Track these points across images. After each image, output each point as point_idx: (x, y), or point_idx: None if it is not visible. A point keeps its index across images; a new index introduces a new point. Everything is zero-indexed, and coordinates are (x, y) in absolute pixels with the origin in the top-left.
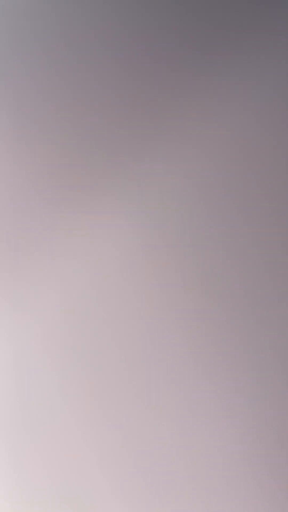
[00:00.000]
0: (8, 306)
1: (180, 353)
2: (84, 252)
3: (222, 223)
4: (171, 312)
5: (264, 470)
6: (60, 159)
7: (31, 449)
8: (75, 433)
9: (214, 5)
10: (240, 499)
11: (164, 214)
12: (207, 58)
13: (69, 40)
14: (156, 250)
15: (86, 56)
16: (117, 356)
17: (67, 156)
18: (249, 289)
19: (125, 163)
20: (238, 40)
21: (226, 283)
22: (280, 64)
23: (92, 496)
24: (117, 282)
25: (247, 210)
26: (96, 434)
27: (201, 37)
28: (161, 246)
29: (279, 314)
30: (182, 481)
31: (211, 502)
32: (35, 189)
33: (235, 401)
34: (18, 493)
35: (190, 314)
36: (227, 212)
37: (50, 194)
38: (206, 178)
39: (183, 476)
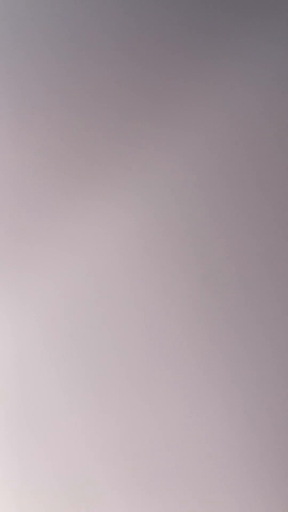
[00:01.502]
0: (10, 300)
1: (180, 347)
2: (84, 244)
3: (222, 214)
4: (171, 305)
5: (264, 463)
6: (60, 151)
7: (33, 444)
8: (77, 428)
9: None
10: (240, 495)
11: (165, 205)
12: (208, 48)
13: (69, 29)
14: (157, 242)
15: (86, 44)
16: (118, 351)
17: (67, 149)
18: (248, 280)
19: (125, 154)
20: (240, 27)
21: (226, 275)
22: (282, 52)
23: (93, 490)
24: (118, 274)
25: (247, 201)
26: (97, 429)
27: (202, 25)
28: (161, 238)
29: (277, 309)
30: (181, 474)
31: (211, 497)
32: (36, 181)
33: (234, 396)
34: (21, 488)
35: (190, 308)
36: (227, 202)
37: (51, 186)
38: (206, 168)
39: (182, 469)
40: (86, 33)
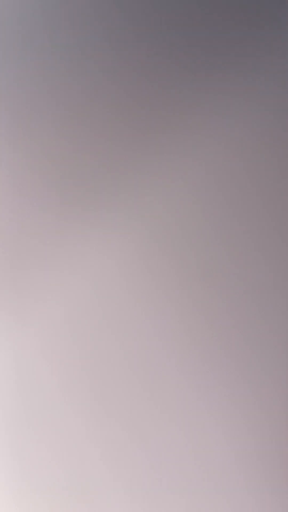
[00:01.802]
0: (10, 322)
1: (180, 363)
2: (85, 266)
3: (222, 233)
4: (173, 324)
5: (264, 466)
6: (59, 173)
7: (34, 448)
8: (78, 434)
9: (215, 16)
10: (243, 495)
11: (163, 226)
12: (206, 71)
13: (65, 49)
14: (157, 263)
15: (86, 68)
16: (119, 370)
17: (66, 171)
18: (250, 300)
19: (124, 176)
20: (238, 54)
21: (227, 294)
22: (280, 74)
23: (94, 493)
24: (118, 296)
25: (245, 221)
26: (98, 432)
27: (201, 52)
28: (161, 259)
29: (278, 315)
30: (183, 477)
31: (212, 499)
32: (35, 203)
33: (236, 399)
34: (21, 491)
35: (192, 326)
36: (227, 222)
37: (50, 208)
38: (205, 189)
39: (184, 472)
40: (86, 58)
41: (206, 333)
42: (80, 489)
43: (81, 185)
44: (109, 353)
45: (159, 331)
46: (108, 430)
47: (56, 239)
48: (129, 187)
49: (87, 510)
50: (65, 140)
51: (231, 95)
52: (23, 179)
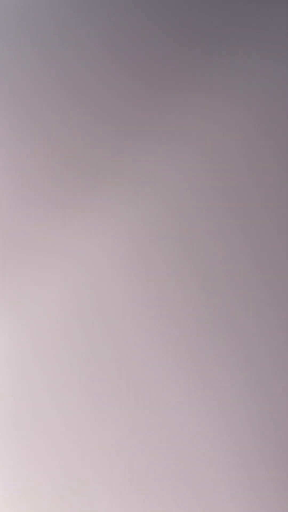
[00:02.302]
0: (6, 313)
1: (178, 356)
2: (82, 257)
3: (220, 225)
4: (169, 316)
5: (264, 466)
6: (57, 161)
7: (29, 449)
8: (74, 436)
9: (214, 8)
10: (240, 498)
11: (161, 217)
12: (206, 60)
13: (68, 41)
14: (154, 254)
15: (85, 57)
16: (115, 361)
17: (64, 158)
18: (247, 291)
19: (122, 166)
20: (239, 43)
21: (224, 286)
22: (281, 67)
23: (90, 496)
24: (115, 286)
25: (244, 213)
26: (94, 438)
27: (201, 39)
28: (159, 249)
29: (276, 316)
30: (180, 480)
31: (210, 502)
32: (32, 191)
33: (233, 404)
34: (17, 495)
35: (188, 318)
36: (225, 214)
37: (47, 197)
38: (203, 180)
39: (181, 476)
40: (85, 47)
41: (203, 327)
42: (76, 492)
43: (79, 174)
44: (105, 346)
45: (156, 326)
46: (104, 430)
47: (53, 229)
48: (127, 176)
49: None
50: (64, 128)
51: (231, 82)
52: (20, 167)
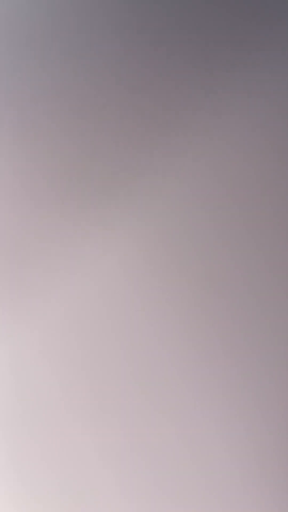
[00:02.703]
0: (9, 318)
1: (182, 364)
2: (86, 268)
3: (224, 236)
4: (174, 322)
5: (269, 467)
6: (62, 173)
7: (32, 449)
8: (76, 433)
9: (215, 20)
10: (242, 497)
11: (166, 227)
12: (208, 73)
13: (70, 58)
14: (160, 265)
15: (86, 71)
16: (119, 365)
17: (69, 171)
18: (252, 305)
19: (126, 176)
20: (240, 56)
21: (230, 293)
22: (281, 75)
23: (92, 496)
24: (120, 297)
25: (249, 224)
26: (97, 434)
27: (202, 54)
28: (164, 261)
29: (280, 326)
30: (183, 477)
31: (213, 500)
32: (35, 202)
33: (238, 399)
34: (19, 494)
35: (194, 325)
36: (229, 225)
37: (52, 208)
38: (208, 191)
39: (184, 472)
40: (86, 62)
41: (208, 333)
42: (78, 492)
43: (83, 184)
44: (109, 353)
45: (161, 332)
46: (107, 432)
47: (57, 238)
48: (131, 186)
49: None
50: (67, 138)
51: (233, 95)
52: (24, 178)
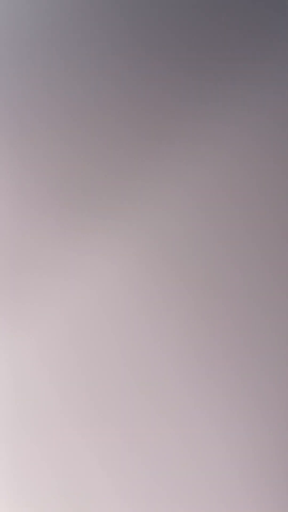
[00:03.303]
0: (7, 325)
1: (182, 371)
2: (84, 269)
3: (224, 242)
4: (173, 329)
5: (269, 465)
6: (61, 179)
7: (30, 453)
8: (75, 437)
9: (216, 28)
10: (244, 496)
11: (165, 233)
12: (208, 78)
13: (70, 62)
14: (157, 268)
15: (86, 77)
16: (118, 372)
17: (68, 177)
18: (252, 308)
19: (126, 182)
20: (240, 63)
21: (229, 301)
22: (282, 84)
23: (91, 500)
24: (119, 303)
25: (249, 229)
26: (96, 438)
27: (203, 59)
28: (162, 264)
29: (279, 321)
30: (183, 480)
31: (213, 501)
32: (35, 208)
33: (237, 401)
34: (18, 496)
35: (192, 331)
36: (229, 231)
37: (50, 214)
38: (208, 197)
39: (184, 475)
40: (86, 67)
41: (207, 340)
42: (77, 495)
43: (82, 191)
44: (108, 360)
45: (160, 339)
46: (106, 436)
47: (56, 245)
48: (131, 193)
49: None
50: (67, 145)
51: (233, 100)
52: (24, 184)
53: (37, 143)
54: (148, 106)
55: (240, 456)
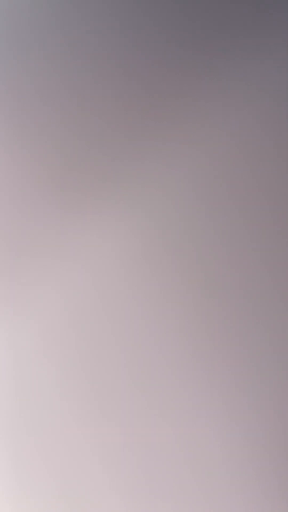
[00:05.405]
0: (7, 309)
1: (182, 356)
2: (85, 256)
3: (223, 226)
4: (173, 315)
5: (266, 466)
6: (60, 162)
7: (31, 449)
8: (76, 437)
9: (215, 11)
10: (242, 498)
11: (164, 217)
12: (207, 61)
13: (69, 44)
14: (157, 253)
15: (86, 59)
16: (119, 361)
17: (67, 159)
18: (250, 290)
19: (125, 166)
20: (239, 44)
21: (227, 286)
22: (281, 68)
23: (92, 498)
24: (119, 286)
25: (248, 213)
26: (96, 434)
27: (202, 41)
28: (162, 250)
29: (279, 317)
30: (182, 480)
31: (212, 500)
32: (34, 191)
33: (236, 400)
34: (18, 493)
35: (190, 317)
36: (227, 215)
37: (50, 197)
38: (206, 180)
39: (183, 475)
40: (86, 50)
41: (206, 330)
42: (77, 493)
43: (81, 174)
44: (107, 345)
45: (158, 326)
46: (106, 432)
47: (55, 228)
48: (130, 177)
49: None
50: (66, 128)
51: (234, 83)
52: (22, 167)
53: (36, 125)
54: (147, 86)
55: (239, 456)
